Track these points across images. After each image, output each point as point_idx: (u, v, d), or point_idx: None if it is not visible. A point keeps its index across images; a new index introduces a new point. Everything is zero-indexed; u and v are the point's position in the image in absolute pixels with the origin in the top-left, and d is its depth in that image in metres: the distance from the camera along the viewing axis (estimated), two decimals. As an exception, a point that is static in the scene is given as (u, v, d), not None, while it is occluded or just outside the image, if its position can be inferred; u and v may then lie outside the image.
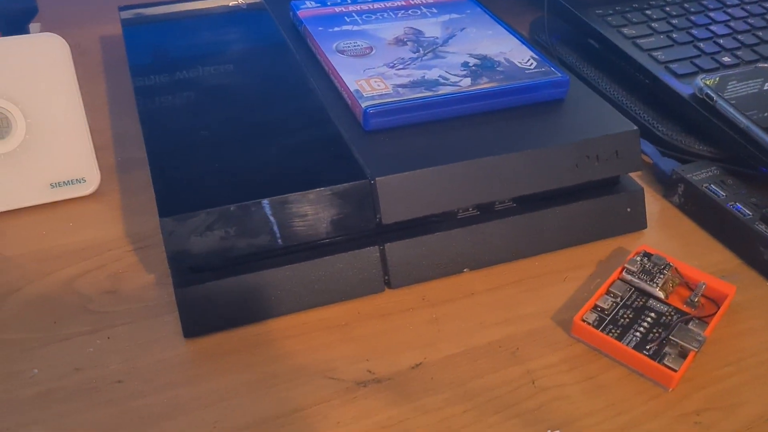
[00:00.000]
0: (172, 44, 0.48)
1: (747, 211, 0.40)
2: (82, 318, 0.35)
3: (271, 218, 0.35)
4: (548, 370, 0.34)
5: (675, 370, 0.32)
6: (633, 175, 0.45)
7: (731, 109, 0.44)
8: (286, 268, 0.36)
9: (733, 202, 0.41)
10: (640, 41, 0.51)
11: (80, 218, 0.41)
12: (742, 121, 0.43)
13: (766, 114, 0.44)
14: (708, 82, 0.45)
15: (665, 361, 0.33)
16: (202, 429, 0.31)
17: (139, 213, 0.42)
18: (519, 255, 0.40)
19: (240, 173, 0.36)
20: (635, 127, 0.41)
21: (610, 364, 0.34)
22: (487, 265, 0.39)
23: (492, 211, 0.39)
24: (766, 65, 0.48)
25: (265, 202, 0.34)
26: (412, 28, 0.47)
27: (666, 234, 0.42)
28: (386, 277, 0.37)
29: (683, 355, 0.33)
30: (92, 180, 0.42)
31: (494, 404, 0.32)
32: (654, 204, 0.44)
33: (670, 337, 0.34)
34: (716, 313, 0.35)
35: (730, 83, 0.46)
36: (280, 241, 0.35)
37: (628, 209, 0.41)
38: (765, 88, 0.46)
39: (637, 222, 0.42)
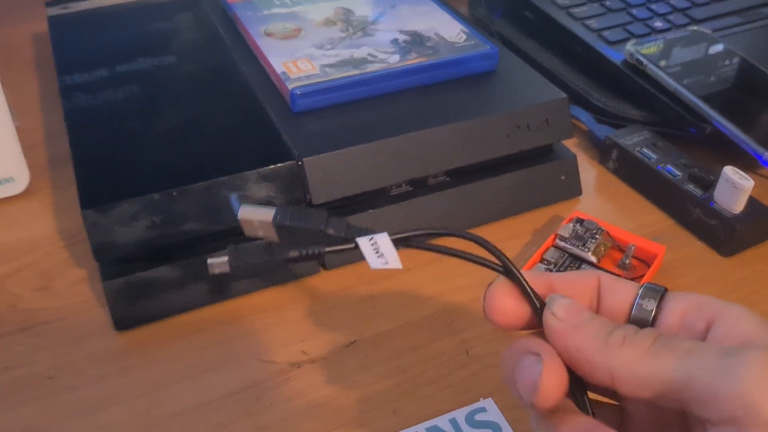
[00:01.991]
0: (100, 38, 0.47)
1: (677, 172, 0.40)
2: (11, 317, 0.35)
3: (198, 204, 0.34)
4: (482, 339, 0.34)
5: (604, 331, 0.33)
6: (569, 143, 0.45)
7: (661, 73, 0.44)
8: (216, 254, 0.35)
9: (663, 164, 0.41)
10: (573, 10, 0.51)
11: (10, 217, 0.41)
12: (671, 83, 0.43)
13: (712, 78, 0.45)
14: (651, 50, 0.46)
15: (595, 323, 0.33)
16: (135, 418, 0.30)
17: (71, 209, 0.41)
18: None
19: (166, 162, 0.36)
20: (564, 95, 0.41)
21: (543, 329, 0.34)
22: (423, 240, 0.39)
23: (425, 186, 0.39)
24: (704, 30, 0.49)
25: (190, 188, 0.34)
26: (342, 8, 0.47)
27: (601, 199, 0.42)
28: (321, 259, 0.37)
29: (613, 316, 0.34)
30: (21, 179, 0.42)
31: (428, 376, 0.32)
32: (590, 170, 0.45)
33: (601, 299, 0.34)
34: (646, 273, 0.36)
35: (674, 49, 0.47)
36: (209, 226, 0.35)
37: (563, 177, 0.42)
38: (709, 52, 0.47)
39: (571, 189, 0.42)
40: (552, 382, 0.21)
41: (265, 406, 0.31)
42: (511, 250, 0.39)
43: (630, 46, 0.46)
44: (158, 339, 0.34)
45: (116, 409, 0.31)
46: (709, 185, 0.39)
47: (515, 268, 0.23)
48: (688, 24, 0.50)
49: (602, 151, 0.44)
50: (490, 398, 0.31)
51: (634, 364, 0.20)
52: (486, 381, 0.32)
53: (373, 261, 0.23)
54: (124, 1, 0.51)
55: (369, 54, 0.42)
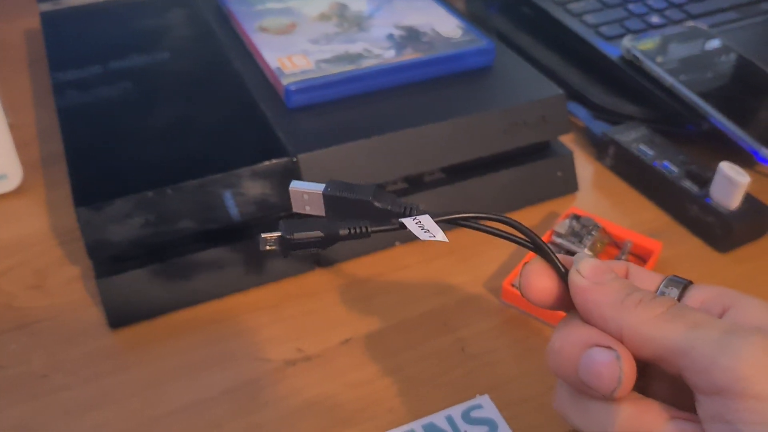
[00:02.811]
0: (93, 34, 0.46)
1: (674, 169, 0.40)
2: (5, 315, 0.35)
3: (192, 202, 0.34)
4: (479, 337, 0.34)
5: (601, 328, 0.33)
6: (566, 139, 0.45)
7: (657, 69, 0.44)
8: (211, 252, 0.35)
9: (660, 161, 0.41)
10: (570, 6, 0.51)
11: (3, 215, 0.40)
12: (668, 79, 0.43)
13: (709, 74, 0.45)
14: (648, 46, 0.45)
15: (592, 320, 0.33)
16: (130, 416, 0.30)
17: (65, 206, 0.41)
18: (452, 226, 0.40)
19: (160, 159, 0.35)
20: (561, 92, 0.41)
21: (540, 327, 0.34)
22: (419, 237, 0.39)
23: (421, 183, 0.39)
24: (701, 25, 0.48)
25: (184, 185, 0.34)
26: (337, 2, 0.47)
27: (598, 195, 0.42)
28: (316, 256, 0.37)
29: (610, 313, 0.34)
30: (14, 176, 0.41)
31: (424, 374, 0.32)
32: (587, 167, 0.44)
33: (597, 296, 0.34)
34: (643, 269, 0.36)
35: (670, 44, 0.46)
36: (203, 224, 0.34)
37: (559, 173, 0.42)
38: (705, 48, 0.47)
39: (568, 185, 0.42)
40: (632, 374, 0.22)
41: (261, 405, 0.31)
42: (507, 248, 0.38)
43: (627, 42, 0.46)
44: (152, 337, 0.34)
45: (110, 408, 0.31)
46: (705, 182, 0.39)
47: (543, 243, 0.24)
48: (685, 20, 0.50)
49: (599, 147, 0.44)
50: (486, 395, 0.31)
51: (643, 326, 0.21)
52: (482, 378, 0.32)
53: (420, 235, 0.24)
54: (118, -3, 0.51)
55: (364, 49, 0.41)
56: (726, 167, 0.37)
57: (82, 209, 0.32)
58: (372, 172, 0.37)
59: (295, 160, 0.35)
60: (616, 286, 0.23)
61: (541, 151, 0.42)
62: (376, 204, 0.24)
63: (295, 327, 0.34)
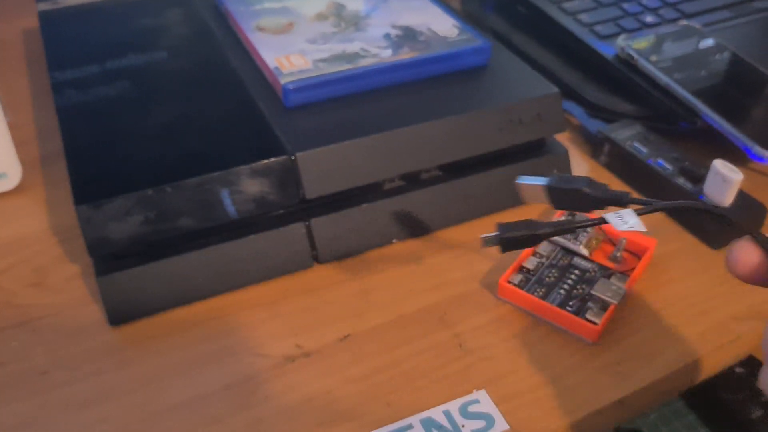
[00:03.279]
0: (91, 33, 0.47)
1: (668, 166, 0.41)
2: (5, 312, 0.35)
3: (192, 200, 0.34)
4: (475, 332, 0.34)
5: (596, 324, 0.33)
6: (561, 137, 0.45)
7: (652, 68, 0.44)
8: (210, 249, 0.35)
9: (654, 158, 0.41)
10: (565, 5, 0.51)
11: (3, 214, 0.41)
12: (662, 78, 0.44)
13: (702, 73, 0.45)
14: (642, 44, 0.46)
15: (587, 316, 0.34)
16: (130, 412, 0.31)
17: (64, 205, 0.41)
18: (448, 223, 0.40)
19: (159, 157, 0.36)
20: (557, 90, 0.41)
21: (535, 322, 0.35)
22: (416, 235, 0.39)
23: (418, 181, 0.40)
24: (695, 24, 0.49)
25: (183, 183, 0.34)
26: (334, 2, 0.47)
27: (593, 193, 0.43)
28: (314, 252, 0.38)
29: (604, 308, 0.34)
30: (14, 175, 0.42)
31: (421, 369, 0.32)
32: (582, 165, 0.45)
33: (592, 292, 0.34)
34: (637, 266, 0.36)
35: (665, 43, 0.47)
36: (202, 222, 0.35)
37: (555, 171, 0.42)
38: (699, 47, 0.47)
39: (563, 183, 0.42)
40: None
41: (260, 400, 0.31)
42: (503, 244, 0.39)
43: (621, 41, 0.46)
44: (152, 334, 0.34)
45: (111, 404, 0.31)
46: (699, 179, 0.39)
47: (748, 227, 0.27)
48: (679, 18, 0.51)
49: (594, 145, 0.45)
50: (483, 390, 0.31)
51: None
52: (479, 373, 0.32)
53: (619, 226, 0.27)
54: (116, -4, 0.51)
55: (361, 49, 0.42)
56: (719, 165, 0.38)
57: (82, 207, 0.33)
58: (369, 170, 0.37)
59: (293, 158, 0.36)
60: None
61: (537, 149, 0.42)
62: (588, 191, 0.28)
63: (294, 323, 0.35)
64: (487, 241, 0.29)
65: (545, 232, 0.29)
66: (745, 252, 0.26)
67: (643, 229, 0.27)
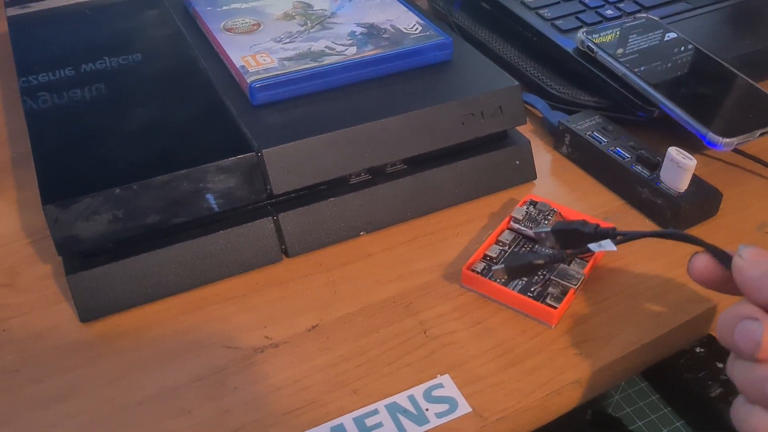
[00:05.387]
0: (60, 37, 0.47)
1: (626, 154, 0.42)
2: (-23, 313, 0.35)
3: (159, 197, 0.35)
4: (439, 320, 0.35)
5: (555, 307, 0.34)
6: (525, 129, 0.47)
7: (610, 60, 0.46)
8: (179, 246, 0.36)
9: (613, 147, 0.43)
10: (527, 0, 0.53)
11: (-26, 216, 0.41)
12: (620, 69, 0.45)
13: (659, 63, 0.46)
14: (602, 38, 0.47)
15: (547, 300, 0.35)
16: (100, 406, 0.31)
17: (35, 206, 0.41)
18: (413, 214, 0.41)
19: (127, 156, 0.36)
20: (516, 83, 0.42)
21: (497, 308, 0.36)
22: (382, 227, 0.40)
23: (384, 174, 0.41)
24: (653, 17, 0.50)
25: (151, 182, 0.35)
26: (301, 2, 0.48)
27: (555, 182, 0.44)
28: (283, 246, 0.38)
29: (564, 293, 0.35)
30: (-16, 177, 0.42)
31: (387, 356, 0.33)
32: (545, 155, 0.46)
33: (552, 277, 0.35)
34: (596, 252, 0.37)
35: (623, 36, 0.48)
36: (171, 219, 0.35)
37: (517, 162, 0.43)
38: (656, 38, 0.48)
39: (526, 173, 0.43)
40: None
41: (229, 390, 0.32)
42: (467, 234, 0.40)
43: (580, 34, 0.47)
44: (123, 330, 0.35)
45: (81, 399, 0.31)
46: (655, 166, 0.41)
47: (706, 243, 0.30)
48: (638, 11, 0.52)
49: (556, 136, 0.46)
50: (447, 374, 0.32)
51: None
52: (443, 359, 0.33)
53: (594, 248, 0.33)
54: (84, 0, 0.51)
55: (327, 47, 0.43)
56: (674, 152, 0.39)
57: (49, 207, 0.33)
58: (336, 165, 0.38)
59: (260, 154, 0.36)
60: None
61: (500, 141, 0.43)
62: (581, 230, 0.33)
63: (263, 315, 0.35)
64: (497, 271, 0.35)
65: (537, 263, 0.34)
66: (705, 264, 0.29)
67: (612, 248, 0.32)
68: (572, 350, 0.33)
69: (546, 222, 0.39)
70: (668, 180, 0.40)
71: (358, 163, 0.39)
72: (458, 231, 0.40)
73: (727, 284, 0.29)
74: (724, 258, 0.29)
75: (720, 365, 0.36)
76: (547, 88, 0.49)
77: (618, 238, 0.33)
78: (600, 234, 0.33)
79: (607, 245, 0.33)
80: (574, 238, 0.34)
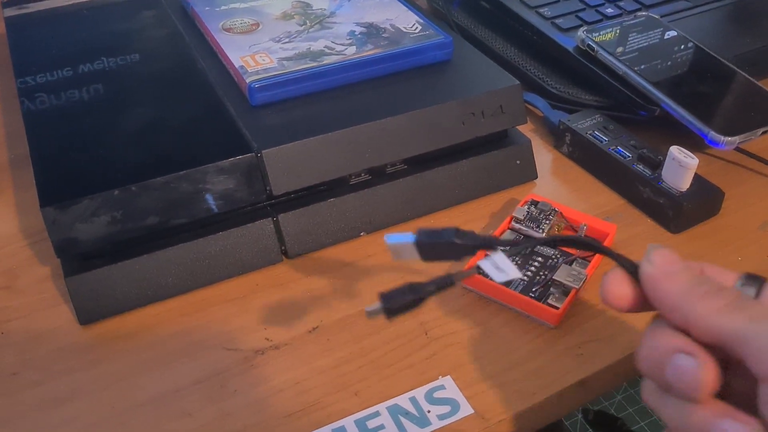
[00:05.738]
0: (58, 37, 0.47)
1: (627, 153, 0.42)
2: (-25, 316, 0.35)
3: (158, 199, 0.35)
4: (440, 321, 0.35)
5: (557, 308, 0.34)
6: (526, 129, 0.46)
7: (611, 58, 0.45)
8: (179, 247, 0.36)
9: (614, 146, 0.42)
10: (527, -1, 0.52)
11: (-28, 218, 0.41)
12: (621, 68, 0.45)
13: (660, 62, 0.46)
14: (603, 37, 0.47)
15: (549, 301, 0.34)
16: (101, 409, 0.31)
17: (33, 208, 0.40)
18: (414, 215, 0.41)
19: (125, 158, 0.36)
20: (517, 82, 0.42)
21: (498, 309, 0.35)
22: (383, 227, 0.40)
23: (384, 174, 0.40)
24: (654, 15, 0.50)
25: (149, 183, 0.34)
26: (300, 1, 0.48)
27: (556, 182, 0.44)
28: (283, 248, 0.38)
29: (566, 293, 0.35)
30: (-18, 179, 0.42)
31: (388, 357, 0.33)
32: (545, 155, 0.46)
33: (554, 277, 0.35)
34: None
35: (624, 35, 0.48)
36: (170, 220, 0.35)
37: (518, 161, 0.43)
38: (658, 37, 0.48)
39: (527, 173, 0.43)
40: (711, 379, 0.23)
41: (230, 393, 0.32)
42: (469, 234, 0.40)
43: (581, 33, 0.47)
44: (123, 332, 0.34)
45: (82, 402, 0.31)
46: (657, 165, 0.40)
47: (609, 249, 0.27)
48: (638, 9, 0.52)
49: (556, 135, 0.46)
50: (448, 376, 0.32)
51: (708, 316, 0.23)
52: (444, 360, 0.33)
53: (496, 277, 0.27)
54: (82, 1, 0.51)
55: (326, 46, 0.42)
56: (675, 151, 0.39)
57: (47, 209, 0.33)
58: (335, 165, 0.38)
59: (259, 155, 0.36)
60: (685, 276, 0.24)
61: (500, 140, 0.43)
62: (458, 242, 0.28)
63: (264, 317, 0.35)
64: (371, 313, 0.28)
65: (429, 291, 0.28)
66: (617, 284, 0.26)
67: (518, 275, 0.28)
68: (574, 351, 0.33)
69: (548, 221, 0.38)
70: (670, 179, 0.39)
71: (357, 164, 0.39)
72: (459, 231, 0.40)
73: (647, 304, 0.25)
74: (634, 270, 0.25)
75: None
76: (548, 87, 0.49)
77: (502, 249, 0.28)
78: (480, 244, 0.28)
79: (504, 265, 0.27)
80: (446, 252, 0.29)
